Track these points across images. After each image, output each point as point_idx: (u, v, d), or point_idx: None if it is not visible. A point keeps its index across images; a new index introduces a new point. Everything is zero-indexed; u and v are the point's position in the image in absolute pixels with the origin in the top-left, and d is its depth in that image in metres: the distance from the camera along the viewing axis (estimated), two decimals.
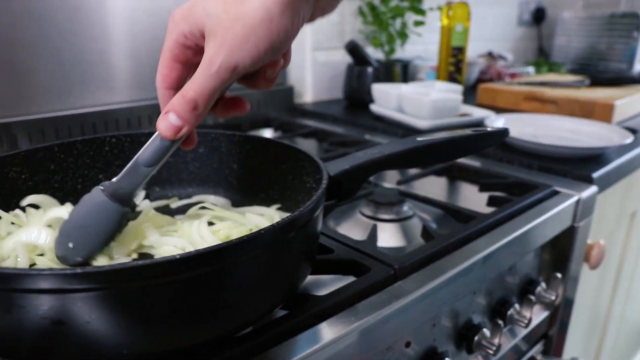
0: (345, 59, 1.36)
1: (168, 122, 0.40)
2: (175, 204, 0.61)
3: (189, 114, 0.39)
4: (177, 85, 0.44)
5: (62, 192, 0.58)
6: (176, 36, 0.41)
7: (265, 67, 0.42)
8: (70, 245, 0.42)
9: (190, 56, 0.42)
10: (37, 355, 0.33)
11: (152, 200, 0.62)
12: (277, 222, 0.35)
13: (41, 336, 0.31)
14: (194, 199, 0.61)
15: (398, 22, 1.37)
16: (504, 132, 0.58)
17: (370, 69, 1.29)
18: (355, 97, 1.31)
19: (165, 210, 0.58)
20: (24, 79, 0.91)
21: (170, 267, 0.31)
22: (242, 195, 0.60)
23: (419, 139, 0.52)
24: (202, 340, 0.36)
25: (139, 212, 0.56)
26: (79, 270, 0.29)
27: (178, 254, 0.29)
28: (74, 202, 0.58)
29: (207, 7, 0.38)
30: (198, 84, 0.39)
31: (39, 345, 0.32)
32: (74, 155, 0.59)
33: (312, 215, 0.39)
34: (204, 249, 0.31)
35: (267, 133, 1.12)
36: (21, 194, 0.55)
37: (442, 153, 0.54)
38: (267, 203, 0.57)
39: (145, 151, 0.43)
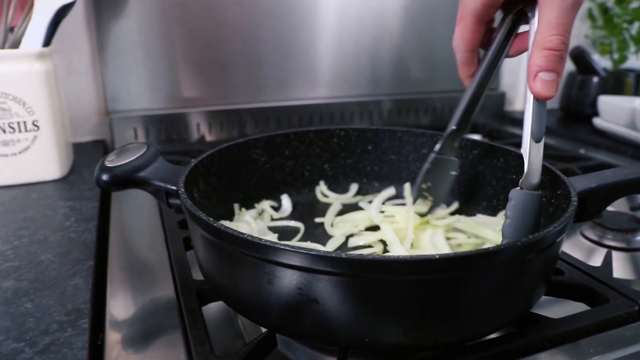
0: (565, 66, 1.25)
1: (542, 83, 0.39)
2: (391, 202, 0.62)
3: (557, 64, 0.39)
4: (477, 47, 0.45)
5: (292, 177, 0.63)
6: None
7: None
8: None
9: (493, 14, 0.43)
10: (283, 325, 0.36)
11: (363, 194, 0.64)
12: (529, 238, 0.33)
13: (294, 309, 0.34)
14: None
15: (635, 26, 1.22)
16: None
17: (595, 79, 1.17)
18: (574, 109, 1.20)
19: None
20: (257, 70, 1.01)
21: (423, 266, 0.31)
22: (462, 201, 0.59)
23: None
24: (433, 342, 0.36)
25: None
26: (324, 252, 0.31)
27: (437, 254, 0.30)
28: (301, 187, 0.63)
29: None
30: (556, 26, 0.37)
31: (289, 317, 0.35)
32: (306, 143, 0.63)
33: (559, 236, 0.37)
34: (460, 252, 0.31)
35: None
36: (259, 175, 0.61)
37: None
38: (489, 212, 0.55)
39: (534, 127, 0.42)
